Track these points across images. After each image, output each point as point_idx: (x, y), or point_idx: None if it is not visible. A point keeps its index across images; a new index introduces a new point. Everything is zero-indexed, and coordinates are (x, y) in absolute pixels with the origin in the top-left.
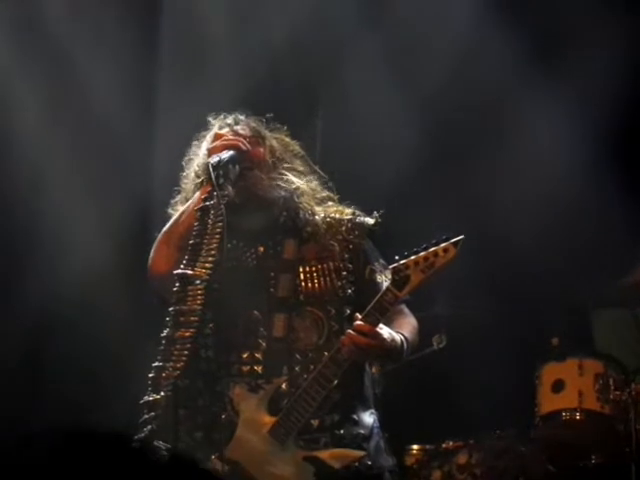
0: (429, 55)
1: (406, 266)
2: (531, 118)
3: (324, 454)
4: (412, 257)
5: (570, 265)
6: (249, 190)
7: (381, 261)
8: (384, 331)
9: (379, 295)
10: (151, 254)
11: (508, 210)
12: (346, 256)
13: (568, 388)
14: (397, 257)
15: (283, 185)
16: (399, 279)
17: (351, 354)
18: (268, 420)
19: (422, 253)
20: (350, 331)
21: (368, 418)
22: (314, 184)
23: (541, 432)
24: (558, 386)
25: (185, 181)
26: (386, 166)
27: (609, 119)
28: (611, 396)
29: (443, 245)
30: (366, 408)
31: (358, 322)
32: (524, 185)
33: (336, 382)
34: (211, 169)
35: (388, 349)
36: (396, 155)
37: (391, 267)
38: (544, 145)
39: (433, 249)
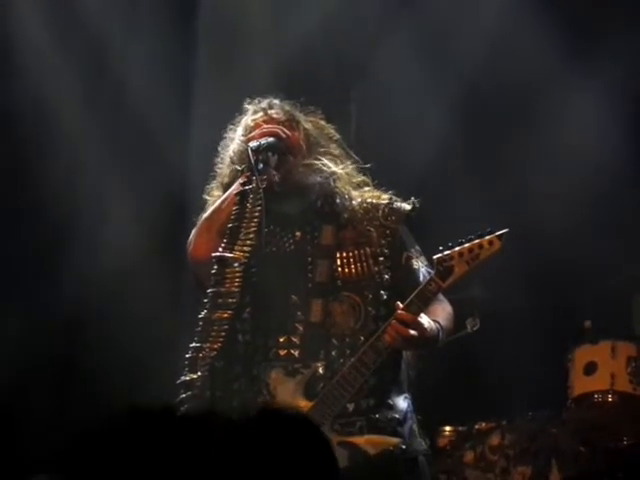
0: (463, 40)
1: (450, 257)
2: (567, 105)
3: (360, 440)
4: (457, 248)
5: (605, 248)
6: (285, 176)
7: (417, 247)
8: (424, 320)
9: (422, 285)
10: (191, 239)
11: (543, 194)
12: (383, 242)
13: (600, 370)
14: (441, 247)
15: (319, 170)
16: (443, 269)
17: (393, 343)
18: (304, 404)
19: (467, 244)
20: (394, 321)
21: (402, 402)
22: (350, 169)
23: (573, 414)
24: (590, 368)
25: (220, 166)
26: (420, 152)
27: None
28: None
29: (488, 237)
30: (400, 392)
31: (400, 312)
32: (559, 170)
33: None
34: (251, 153)
35: (427, 338)
36: (430, 141)
37: (435, 257)
38: (579, 133)
39: (478, 241)
